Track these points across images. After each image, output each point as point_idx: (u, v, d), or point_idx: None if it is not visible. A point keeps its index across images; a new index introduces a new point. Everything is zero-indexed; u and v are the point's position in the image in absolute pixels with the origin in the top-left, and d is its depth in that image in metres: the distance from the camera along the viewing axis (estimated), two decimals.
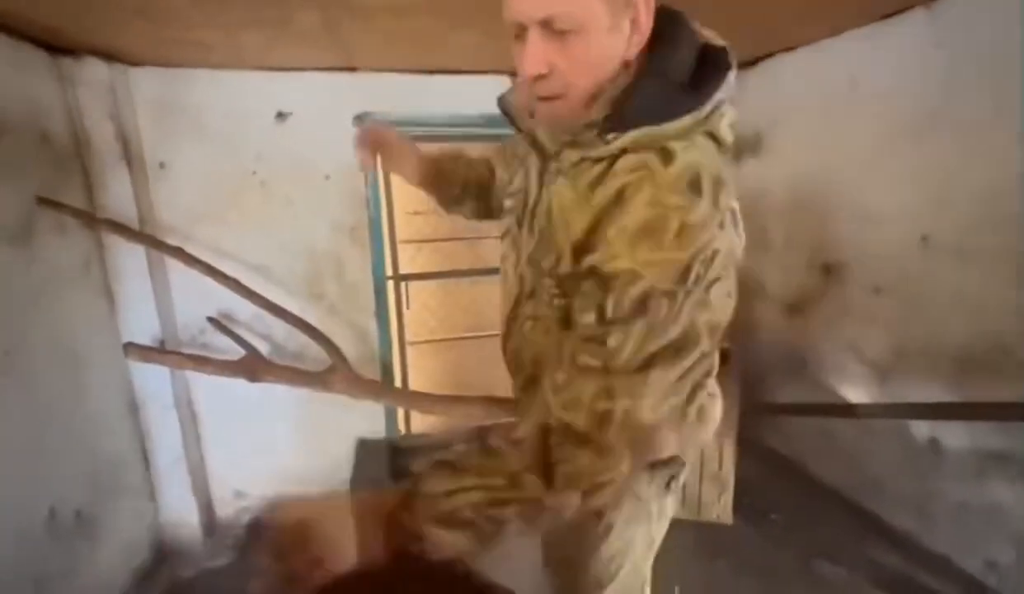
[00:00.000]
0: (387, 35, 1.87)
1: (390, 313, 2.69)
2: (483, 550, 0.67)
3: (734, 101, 0.76)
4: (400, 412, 2.86)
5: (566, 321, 0.76)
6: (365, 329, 2.61)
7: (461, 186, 1.20)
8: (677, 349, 0.67)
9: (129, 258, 2.11)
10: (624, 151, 0.70)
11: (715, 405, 0.97)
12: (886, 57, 2.01)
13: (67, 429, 1.85)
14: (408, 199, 2.91)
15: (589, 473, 0.67)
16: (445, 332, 3.19)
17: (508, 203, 0.95)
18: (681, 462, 0.98)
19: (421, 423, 2.99)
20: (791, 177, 2.54)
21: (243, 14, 1.61)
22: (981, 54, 1.72)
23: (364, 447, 2.66)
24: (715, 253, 0.67)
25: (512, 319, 0.93)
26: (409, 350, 2.88)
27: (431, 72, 2.38)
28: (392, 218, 2.63)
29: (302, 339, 2.11)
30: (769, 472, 2.66)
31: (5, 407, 1.60)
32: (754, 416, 2.56)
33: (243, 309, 2.29)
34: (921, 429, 2.02)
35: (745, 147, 2.78)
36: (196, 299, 2.29)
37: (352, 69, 2.33)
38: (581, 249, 0.72)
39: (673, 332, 0.66)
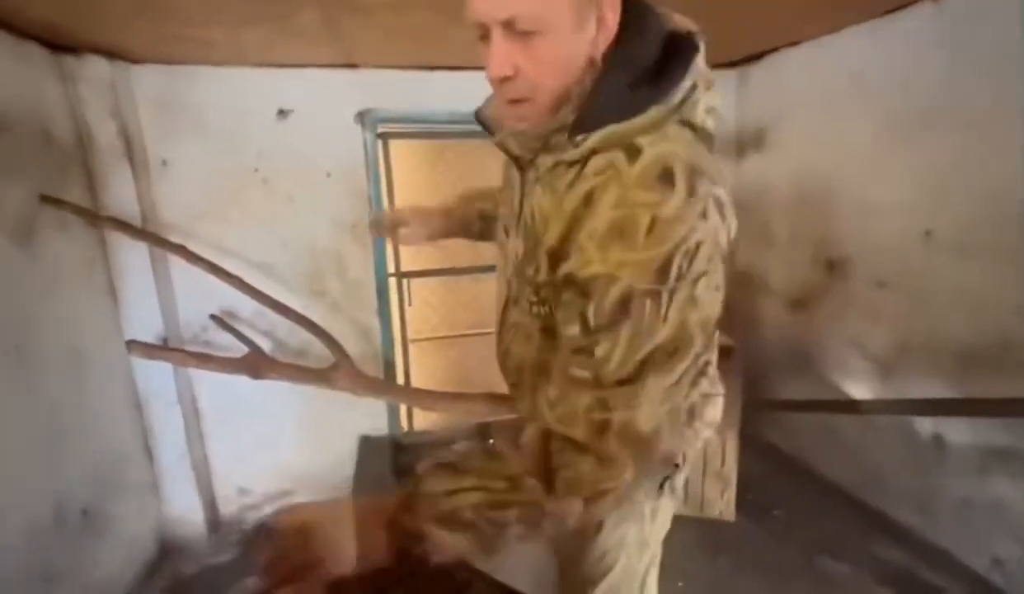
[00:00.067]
0: (387, 31, 1.87)
1: (392, 310, 2.69)
2: (485, 553, 0.67)
3: (712, 84, 0.74)
4: (403, 409, 2.86)
5: (548, 330, 0.75)
6: (367, 326, 2.62)
7: (479, 218, 1.25)
8: (669, 352, 0.64)
9: (132, 256, 2.12)
10: (594, 152, 0.69)
11: (710, 405, 0.94)
12: (890, 52, 2.00)
13: (72, 426, 1.86)
14: (410, 197, 2.90)
15: (590, 480, 0.66)
16: (447, 329, 3.19)
17: (501, 212, 0.96)
18: (674, 463, 0.97)
19: (424, 420, 2.99)
20: (795, 172, 2.53)
21: (244, 11, 1.61)
22: (986, 49, 1.71)
23: (367, 444, 2.67)
24: (698, 245, 0.63)
25: (501, 324, 0.94)
26: (411, 347, 2.89)
27: (432, 68, 2.37)
28: None
29: (304, 336, 2.11)
30: (772, 468, 2.66)
31: (11, 404, 1.61)
32: (757, 412, 2.56)
33: (245, 306, 2.30)
34: (925, 425, 2.01)
35: (748, 142, 2.78)
36: (198, 296, 2.30)
37: (353, 66, 2.33)
38: (556, 256, 0.71)
39: (662, 334, 0.63)
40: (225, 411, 2.48)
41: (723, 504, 2.33)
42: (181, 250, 2.00)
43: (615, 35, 0.68)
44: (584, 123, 0.68)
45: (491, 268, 1.03)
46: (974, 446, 1.86)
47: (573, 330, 0.67)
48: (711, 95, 0.74)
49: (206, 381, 2.38)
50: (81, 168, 1.98)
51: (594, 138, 0.68)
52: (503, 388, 1.04)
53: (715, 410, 0.95)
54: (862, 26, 2.08)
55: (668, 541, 1.08)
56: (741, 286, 2.88)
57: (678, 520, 1.09)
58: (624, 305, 0.62)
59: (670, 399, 0.66)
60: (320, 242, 2.48)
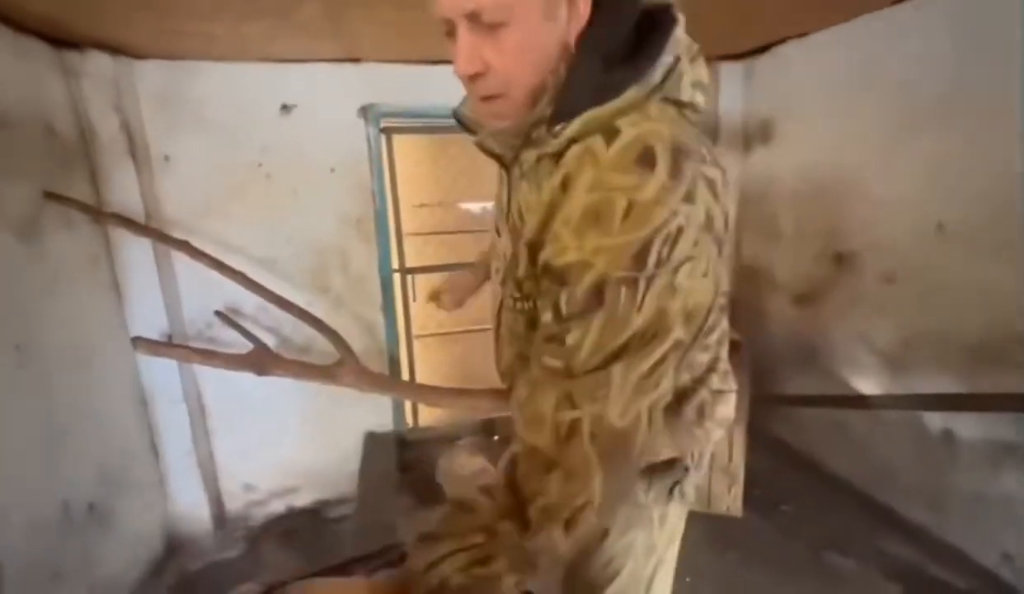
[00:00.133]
0: (390, 25, 1.85)
1: (397, 306, 2.68)
2: None
3: (697, 57, 0.71)
4: (407, 405, 2.85)
5: (533, 325, 0.72)
6: (372, 322, 2.61)
7: None
8: (643, 342, 0.60)
9: (136, 252, 2.12)
10: (574, 140, 0.65)
11: (722, 402, 0.90)
12: (900, 43, 1.97)
13: (77, 423, 1.86)
14: (414, 192, 2.89)
15: (562, 501, 0.61)
16: (452, 325, 3.18)
17: (494, 212, 0.93)
18: (683, 466, 0.93)
19: (429, 416, 2.98)
20: (802, 165, 2.50)
21: (246, 5, 1.60)
22: (998, 39, 1.68)
23: (372, 440, 2.67)
24: (680, 230, 0.59)
25: (496, 327, 0.92)
26: (416, 343, 2.88)
27: (435, 62, 2.36)
28: (398, 211, 2.61)
29: (309, 332, 2.11)
30: (780, 464, 2.64)
31: (17, 402, 1.61)
32: (765, 407, 2.54)
33: (249, 302, 2.30)
34: (934, 420, 1.99)
35: (755, 135, 2.75)
36: (203, 293, 2.29)
37: (356, 60, 2.31)
38: (535, 248, 0.68)
39: (637, 322, 0.59)
40: (230, 408, 2.47)
41: (730, 499, 2.32)
42: (185, 246, 2.00)
43: (588, 18, 0.65)
44: (562, 113, 0.65)
45: None
46: (984, 441, 1.85)
47: (547, 318, 0.64)
48: (697, 68, 0.70)
49: (211, 378, 2.38)
50: (84, 164, 1.98)
51: (573, 126, 0.65)
52: None
53: (727, 407, 0.91)
54: (871, 16, 2.05)
55: None
56: (747, 280, 2.86)
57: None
58: (598, 293, 0.59)
59: (645, 392, 0.61)
60: (324, 238, 2.47)
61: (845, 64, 2.19)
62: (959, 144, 1.83)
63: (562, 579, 1.07)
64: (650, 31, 0.66)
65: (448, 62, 0.66)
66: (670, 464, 0.92)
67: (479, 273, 1.42)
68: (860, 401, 2.25)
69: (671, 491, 0.93)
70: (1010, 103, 1.66)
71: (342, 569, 0.79)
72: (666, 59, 0.66)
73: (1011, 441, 1.77)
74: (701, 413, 0.87)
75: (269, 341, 2.17)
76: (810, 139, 2.45)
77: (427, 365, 3.11)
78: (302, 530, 2.56)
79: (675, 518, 1.00)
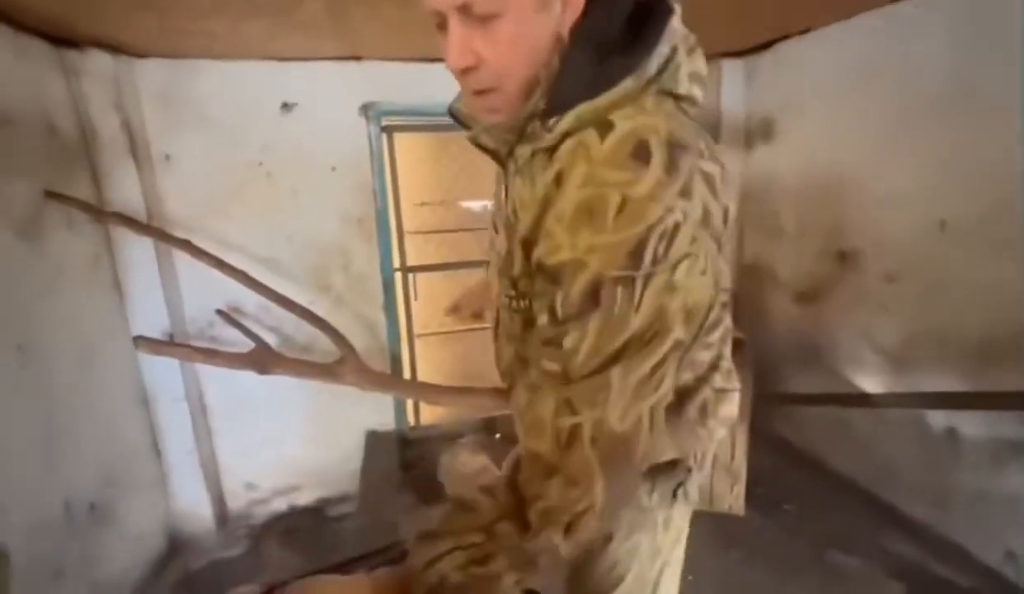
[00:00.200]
0: (392, 23, 1.85)
1: (398, 305, 2.68)
2: None
3: (695, 48, 0.68)
4: (409, 403, 2.85)
5: (530, 325, 0.70)
6: (373, 321, 2.61)
7: None
8: (642, 343, 0.58)
9: (137, 251, 2.12)
10: (567, 134, 0.64)
11: (726, 401, 0.88)
12: (902, 39, 1.96)
13: (80, 422, 1.86)
14: (415, 190, 2.88)
15: (563, 506, 0.60)
16: (453, 324, 3.17)
17: (492, 210, 0.92)
18: (686, 467, 0.91)
19: (430, 414, 2.98)
20: (804, 163, 2.49)
21: (246, 3, 1.59)
22: (999, 36, 1.67)
23: (374, 439, 2.67)
24: (676, 226, 0.57)
25: (496, 326, 0.89)
26: (417, 342, 2.88)
27: (436, 60, 2.35)
28: (399, 209, 2.61)
29: (311, 331, 2.10)
30: (782, 462, 2.63)
31: (19, 401, 1.61)
32: (767, 406, 2.53)
33: (251, 301, 2.30)
34: (938, 418, 1.98)
35: (757, 133, 2.74)
36: (204, 292, 2.29)
37: (357, 58, 2.31)
38: (529, 245, 0.66)
39: (636, 323, 0.57)
40: (232, 406, 2.48)
41: (732, 498, 2.31)
42: (186, 245, 2.00)
43: (582, 9, 0.63)
44: (555, 106, 0.63)
45: None
46: (988, 439, 1.84)
47: (543, 320, 0.62)
48: (695, 60, 0.68)
49: (213, 377, 2.38)
50: (86, 163, 1.98)
51: (566, 120, 0.63)
52: None
53: (730, 407, 0.89)
54: (872, 13, 2.03)
55: None
56: (749, 278, 2.85)
57: None
58: (593, 293, 0.57)
59: (645, 394, 0.60)
60: (325, 236, 2.46)
61: (847, 61, 2.18)
62: (961, 141, 1.81)
63: (566, 583, 1.06)
64: (646, 21, 0.65)
65: None
66: (673, 465, 0.90)
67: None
68: (863, 399, 2.25)
69: (675, 493, 0.91)
70: (1012, 100, 1.65)
71: (343, 568, 0.79)
72: (662, 50, 0.64)
73: (1015, 439, 1.76)
74: (704, 412, 0.85)
75: (271, 340, 2.17)
76: (812, 137, 2.43)
77: (428, 364, 3.11)
78: (304, 528, 2.56)
79: (680, 520, 0.98)
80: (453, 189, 3.01)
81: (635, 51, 0.63)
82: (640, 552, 0.94)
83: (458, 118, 0.82)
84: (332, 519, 2.64)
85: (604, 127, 0.61)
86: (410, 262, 2.73)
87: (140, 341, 2.05)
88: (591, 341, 0.58)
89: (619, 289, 0.57)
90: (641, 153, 0.58)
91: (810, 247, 2.49)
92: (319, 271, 2.49)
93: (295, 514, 2.64)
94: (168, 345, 2.15)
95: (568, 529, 0.60)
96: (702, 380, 0.85)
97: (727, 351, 0.88)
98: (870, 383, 2.26)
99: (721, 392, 0.87)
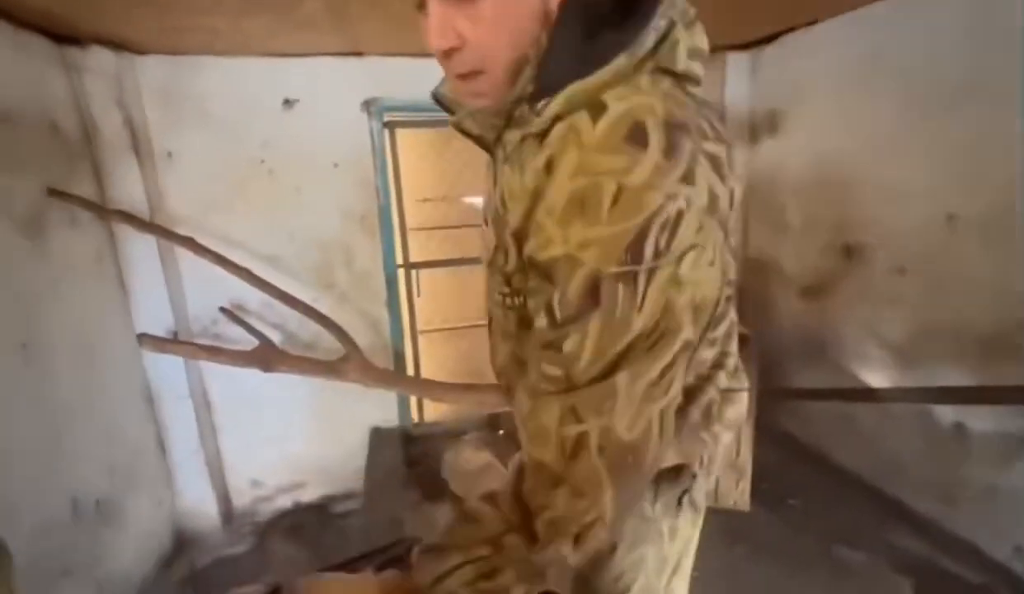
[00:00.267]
0: (393, 18, 1.83)
1: (401, 301, 2.68)
2: None
3: (694, 22, 0.64)
4: (413, 400, 2.85)
5: (525, 323, 0.67)
6: (376, 318, 2.60)
7: None
8: (648, 344, 0.54)
9: (140, 249, 2.12)
10: (558, 118, 0.59)
11: (732, 402, 0.82)
12: (908, 30, 1.93)
13: (85, 420, 1.86)
14: (418, 186, 2.88)
15: (571, 516, 0.57)
16: (457, 320, 3.17)
17: (483, 201, 0.86)
18: (691, 473, 0.86)
19: (434, 411, 2.98)
20: (810, 156, 2.47)
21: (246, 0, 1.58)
22: (1007, 26, 1.65)
23: (378, 435, 2.67)
24: (679, 214, 0.53)
25: (489, 324, 0.85)
26: (421, 338, 2.87)
27: None
28: (402, 206, 2.60)
29: (314, 328, 2.10)
30: (788, 457, 2.63)
31: (25, 399, 1.61)
32: (772, 401, 2.52)
33: (254, 299, 2.29)
34: (946, 413, 1.97)
35: (762, 126, 2.72)
36: (208, 289, 2.29)
37: (358, 54, 2.30)
38: (520, 238, 0.62)
39: (639, 323, 0.53)
40: (236, 404, 2.48)
41: (738, 494, 2.31)
42: (189, 242, 2.00)
43: None
44: (544, 88, 0.58)
45: None
46: (996, 434, 1.82)
47: (541, 322, 0.58)
48: (694, 34, 0.63)
49: (217, 374, 2.37)
50: (88, 160, 1.97)
51: (556, 102, 0.58)
52: None
53: (737, 408, 0.84)
54: (878, 4, 2.01)
55: None
56: (755, 272, 2.84)
57: None
58: (592, 292, 0.53)
59: (654, 399, 0.56)
60: (328, 233, 2.46)
61: (853, 53, 2.16)
62: (969, 134, 1.80)
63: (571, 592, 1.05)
64: None
65: None
66: (677, 472, 0.84)
67: None
68: (869, 394, 2.23)
69: (679, 501, 0.86)
70: (1020, 91, 1.63)
71: (349, 567, 0.79)
72: (658, 24, 0.59)
73: (1023, 434, 1.74)
74: (709, 415, 0.79)
75: (274, 337, 2.17)
76: (818, 130, 2.41)
77: (432, 360, 3.11)
78: (309, 525, 2.56)
79: (687, 528, 0.93)
80: (456, 185, 3.01)
81: (629, 26, 0.58)
82: (646, 563, 0.90)
83: (442, 103, 0.78)
84: (337, 516, 2.64)
85: (597, 109, 0.56)
86: (413, 258, 2.72)
87: (144, 339, 2.05)
88: (593, 344, 0.54)
89: (620, 286, 0.53)
90: (637, 136, 0.53)
91: (816, 241, 2.47)
92: (322, 268, 2.48)
93: (300, 511, 2.64)
94: (172, 343, 2.15)
95: (577, 540, 0.58)
96: (706, 380, 0.79)
97: (733, 348, 0.83)
98: (876, 378, 2.24)
99: (727, 393, 0.82)
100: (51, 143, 1.80)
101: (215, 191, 2.28)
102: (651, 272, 0.53)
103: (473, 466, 2.35)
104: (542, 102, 0.59)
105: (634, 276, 0.53)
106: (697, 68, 0.64)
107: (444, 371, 3.16)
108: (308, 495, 2.67)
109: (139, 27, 1.81)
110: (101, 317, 2.00)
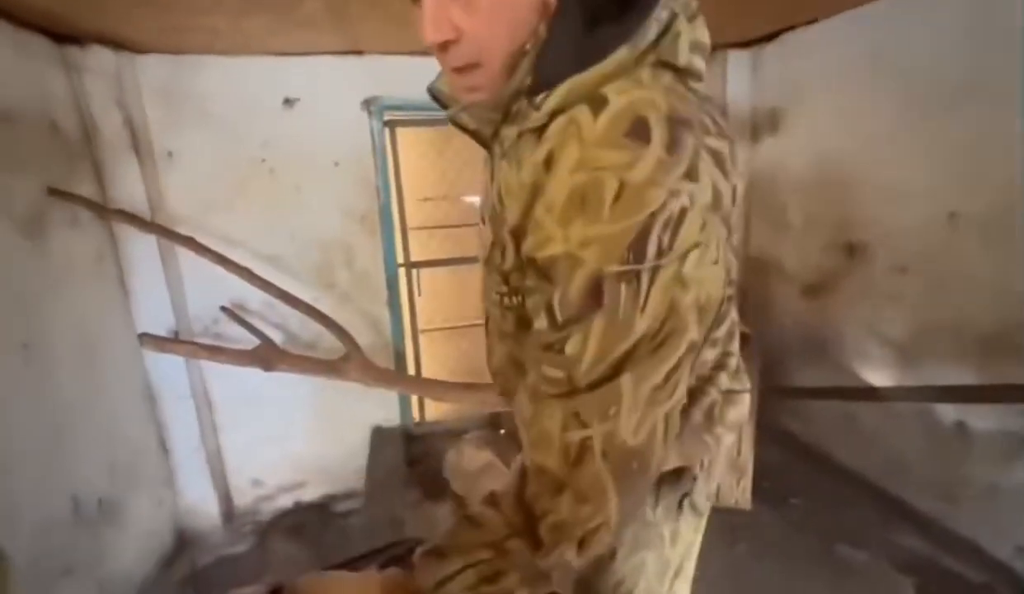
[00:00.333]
0: (393, 17, 1.83)
1: (402, 301, 2.68)
2: None
3: (696, 15, 0.62)
4: (414, 399, 2.85)
5: (524, 323, 0.65)
6: (377, 317, 2.60)
7: None
8: (653, 346, 0.53)
9: (141, 248, 2.12)
10: (558, 112, 0.57)
11: (734, 404, 0.80)
12: (911, 29, 1.93)
13: (86, 419, 1.86)
14: (418, 185, 2.88)
15: (575, 522, 0.56)
16: (458, 319, 3.17)
17: (480, 199, 0.84)
18: (692, 476, 0.84)
19: (435, 410, 2.98)
20: (811, 155, 2.47)
21: None
22: (1009, 25, 1.65)
23: (379, 435, 2.67)
24: (683, 212, 0.51)
25: (486, 324, 0.83)
26: (422, 337, 2.87)
27: None
28: (402, 205, 2.60)
29: (315, 328, 2.10)
30: (789, 456, 2.62)
31: (26, 398, 1.61)
32: (774, 400, 2.52)
33: (255, 298, 2.29)
34: (947, 412, 1.97)
35: (763, 125, 2.71)
36: (209, 289, 2.29)
37: (359, 52, 2.29)
38: (518, 235, 0.60)
39: (643, 324, 0.52)
40: (238, 403, 2.48)
41: (739, 493, 2.31)
42: (190, 242, 2.00)
43: None
44: (543, 81, 0.57)
45: None
46: (997, 433, 1.82)
47: (541, 323, 0.57)
48: (696, 27, 0.62)
49: (218, 373, 2.37)
50: (88, 161, 1.97)
51: (555, 96, 0.56)
52: None
53: (739, 409, 0.82)
54: (880, 3, 2.01)
55: None
56: (756, 271, 2.83)
57: None
58: (594, 292, 0.52)
59: (659, 403, 0.55)
60: (329, 233, 2.46)
61: (854, 51, 2.15)
62: (970, 132, 1.79)
63: None
64: None
65: None
66: (678, 474, 0.82)
67: None
68: (871, 393, 2.23)
69: (680, 504, 0.84)
70: (1020, 91, 1.62)
71: (351, 566, 0.79)
72: (660, 15, 0.57)
73: None
74: (710, 417, 0.78)
75: (275, 337, 2.17)
76: (819, 128, 2.41)
77: (433, 359, 3.11)
78: (310, 525, 2.57)
79: (689, 532, 0.91)
80: (457, 184, 3.01)
81: (629, 17, 0.57)
82: (647, 568, 0.88)
83: (438, 98, 0.76)
84: (338, 515, 2.64)
85: (597, 103, 0.54)
86: (414, 258, 2.72)
87: (145, 338, 2.05)
88: (595, 346, 0.53)
89: (622, 286, 0.51)
90: (639, 131, 0.52)
91: (817, 240, 2.47)
92: (323, 267, 2.48)
93: (301, 510, 2.64)
94: (173, 342, 2.15)
95: (581, 545, 0.57)
96: (707, 381, 0.78)
97: (734, 348, 0.82)
98: (878, 377, 2.24)
99: (729, 394, 0.80)
100: (51, 143, 1.80)
101: (215, 191, 2.28)
102: (654, 271, 0.52)
103: (474, 465, 2.35)
104: (541, 95, 0.58)
105: (637, 275, 0.51)
106: (699, 62, 0.63)
107: (445, 370, 3.16)
108: (309, 494, 2.67)
109: (139, 27, 1.80)
110: (102, 317, 2.00)
